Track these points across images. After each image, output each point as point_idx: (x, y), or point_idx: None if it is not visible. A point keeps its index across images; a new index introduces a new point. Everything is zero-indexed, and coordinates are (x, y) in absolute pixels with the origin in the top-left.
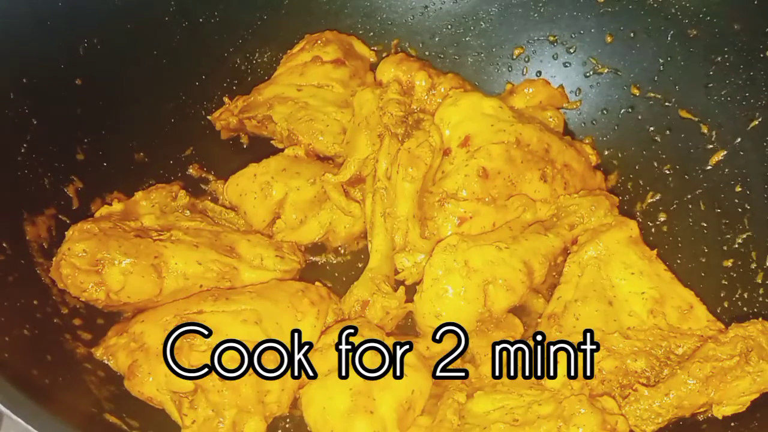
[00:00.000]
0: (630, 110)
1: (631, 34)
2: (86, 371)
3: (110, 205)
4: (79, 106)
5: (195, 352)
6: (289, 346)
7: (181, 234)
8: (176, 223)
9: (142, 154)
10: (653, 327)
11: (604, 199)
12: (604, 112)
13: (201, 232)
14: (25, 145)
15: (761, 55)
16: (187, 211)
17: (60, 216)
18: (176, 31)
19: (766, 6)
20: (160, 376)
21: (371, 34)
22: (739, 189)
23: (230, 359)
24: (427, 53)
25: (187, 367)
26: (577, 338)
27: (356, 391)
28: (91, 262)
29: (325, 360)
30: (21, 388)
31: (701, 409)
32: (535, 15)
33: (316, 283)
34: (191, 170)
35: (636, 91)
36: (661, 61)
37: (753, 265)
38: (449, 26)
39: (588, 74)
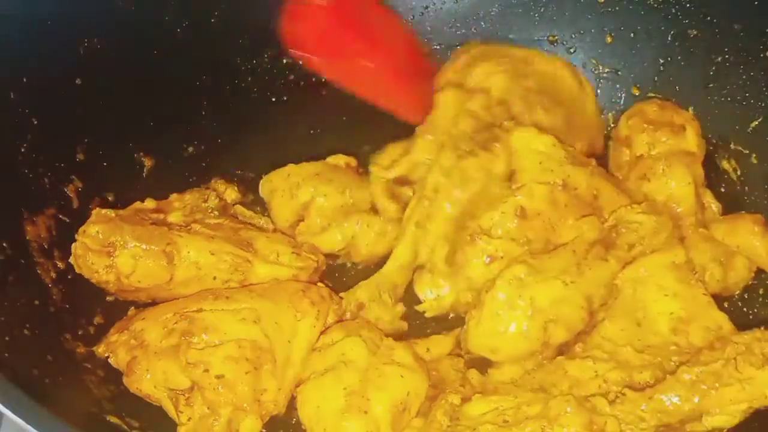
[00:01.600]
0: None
1: (632, 35)
2: (86, 371)
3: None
4: (79, 106)
5: (193, 350)
6: (287, 346)
7: (200, 227)
8: (201, 220)
9: (141, 153)
10: (671, 344)
11: (668, 220)
12: (604, 111)
13: (221, 227)
14: (25, 145)
15: (761, 55)
16: (216, 212)
17: (60, 216)
18: (176, 31)
19: (766, 6)
20: (158, 373)
21: None
22: (740, 189)
23: (227, 358)
24: (427, 53)
25: (184, 364)
26: (596, 353)
27: (350, 391)
28: (103, 244)
29: (323, 360)
30: (21, 387)
31: (690, 418)
32: (536, 15)
33: (318, 283)
34: None
35: (636, 91)
36: (661, 61)
37: None
38: (449, 26)
39: (588, 74)
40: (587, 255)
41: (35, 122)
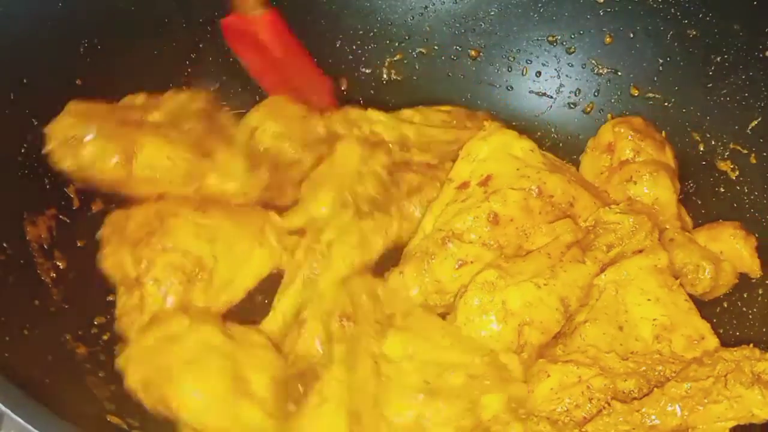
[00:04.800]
0: (629, 111)
1: (631, 35)
2: (87, 371)
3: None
4: None
5: (147, 248)
6: (233, 270)
7: (171, 130)
8: (177, 123)
9: None
10: (654, 352)
11: (646, 219)
12: (603, 111)
13: (192, 132)
14: (25, 145)
15: (761, 55)
16: (200, 117)
17: (60, 216)
18: (176, 31)
19: (766, 6)
20: (117, 257)
21: (371, 34)
22: (739, 189)
23: (167, 265)
24: (426, 53)
25: (136, 258)
26: (578, 357)
27: (232, 376)
28: (69, 135)
29: (184, 350)
30: (21, 387)
31: None
32: (535, 15)
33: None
34: None
35: (635, 92)
36: (660, 61)
37: None
38: (449, 26)
39: (587, 75)
40: (562, 257)
41: (35, 122)
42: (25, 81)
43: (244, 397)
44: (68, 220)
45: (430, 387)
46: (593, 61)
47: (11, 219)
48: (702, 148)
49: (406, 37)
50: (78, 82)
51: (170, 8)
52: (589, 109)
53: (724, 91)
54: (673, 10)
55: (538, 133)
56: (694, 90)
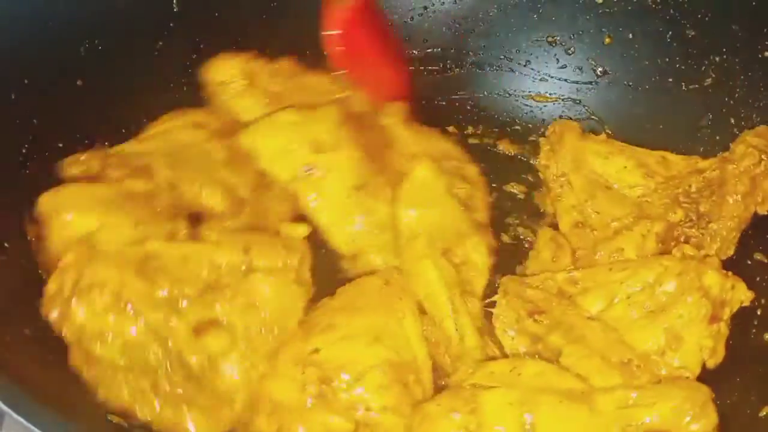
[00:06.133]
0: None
1: (630, 35)
2: None
3: None
4: (79, 106)
5: (341, 393)
6: (409, 350)
7: None
8: None
9: None
10: (659, 184)
11: None
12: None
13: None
14: (25, 145)
15: (761, 56)
16: None
17: None
18: (177, 31)
19: (766, 6)
20: (316, 427)
21: None
22: None
23: (380, 388)
24: (426, 54)
25: (342, 411)
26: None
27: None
28: None
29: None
30: (22, 387)
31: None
32: (535, 16)
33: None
34: None
35: (635, 92)
36: (659, 61)
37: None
38: (449, 27)
39: (587, 74)
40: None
41: (35, 122)
42: (26, 81)
43: None
44: None
45: (652, 312)
46: (592, 62)
47: (12, 219)
48: (701, 149)
49: (406, 37)
50: (79, 82)
51: (171, 8)
52: (588, 109)
53: (724, 91)
54: (672, 11)
55: (538, 133)
56: (694, 90)
